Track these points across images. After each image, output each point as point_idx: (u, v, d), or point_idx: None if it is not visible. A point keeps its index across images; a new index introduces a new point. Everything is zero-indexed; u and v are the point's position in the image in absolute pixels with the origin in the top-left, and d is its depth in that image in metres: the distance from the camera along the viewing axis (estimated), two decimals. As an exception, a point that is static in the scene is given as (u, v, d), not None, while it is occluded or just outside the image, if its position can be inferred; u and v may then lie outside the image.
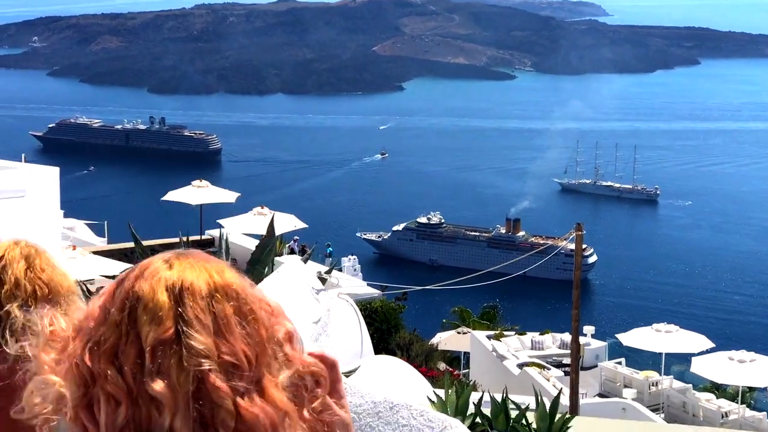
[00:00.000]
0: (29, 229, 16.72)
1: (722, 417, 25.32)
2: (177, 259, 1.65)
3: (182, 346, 1.54)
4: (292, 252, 26.42)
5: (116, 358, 1.57)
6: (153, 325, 1.56)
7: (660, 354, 28.13)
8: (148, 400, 1.52)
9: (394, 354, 21.95)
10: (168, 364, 1.53)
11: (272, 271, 12.81)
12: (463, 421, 7.16)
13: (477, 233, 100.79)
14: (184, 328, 1.55)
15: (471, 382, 20.61)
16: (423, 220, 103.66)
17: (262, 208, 25.37)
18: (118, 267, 21.75)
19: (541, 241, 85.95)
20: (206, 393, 1.53)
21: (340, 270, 31.25)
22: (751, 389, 28.64)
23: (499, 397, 7.63)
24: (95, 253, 23.97)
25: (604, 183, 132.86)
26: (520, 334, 32.27)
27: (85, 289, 7.75)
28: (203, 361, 1.54)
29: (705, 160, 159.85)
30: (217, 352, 1.55)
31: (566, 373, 26.04)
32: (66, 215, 28.51)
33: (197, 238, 26.59)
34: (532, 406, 7.90)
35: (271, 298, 1.69)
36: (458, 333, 33.94)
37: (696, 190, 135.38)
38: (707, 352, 26.32)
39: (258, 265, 15.91)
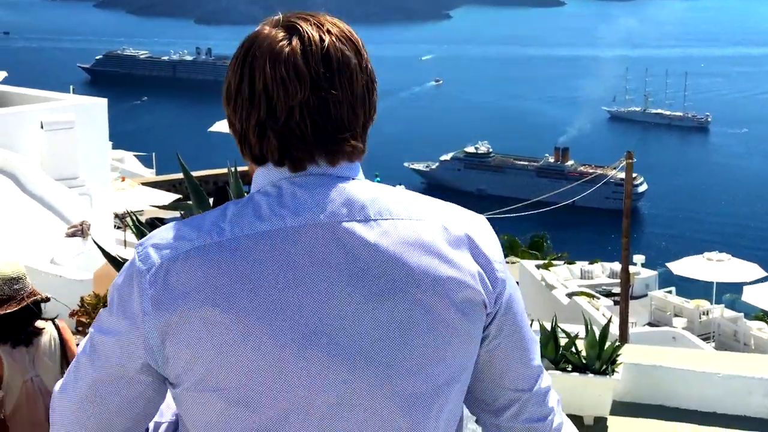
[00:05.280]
0: (79, 160, 16.82)
1: (774, 346, 25.14)
2: None
3: None
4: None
5: None
6: None
7: (711, 283, 27.90)
8: None
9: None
10: None
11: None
12: (512, 349, 7.13)
13: (525, 162, 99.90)
14: None
15: (519, 311, 20.56)
16: (471, 149, 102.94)
17: (310, 137, 25.35)
18: (167, 198, 21.89)
19: (590, 170, 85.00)
20: None
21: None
22: (803, 318, 28.39)
23: (548, 326, 7.58)
24: (144, 184, 24.15)
25: (654, 111, 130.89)
26: (569, 264, 32.13)
27: (135, 219, 7.78)
28: None
29: (760, 87, 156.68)
30: None
31: (616, 303, 25.94)
32: (114, 146, 28.72)
33: (245, 168, 26.69)
34: (582, 334, 7.84)
35: None
36: (507, 263, 33.93)
37: (750, 117, 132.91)
38: (759, 281, 26.04)
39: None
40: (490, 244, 1.75)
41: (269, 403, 1.58)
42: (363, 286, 1.60)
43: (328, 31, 1.68)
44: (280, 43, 1.65)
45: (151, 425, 1.89)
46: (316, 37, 1.66)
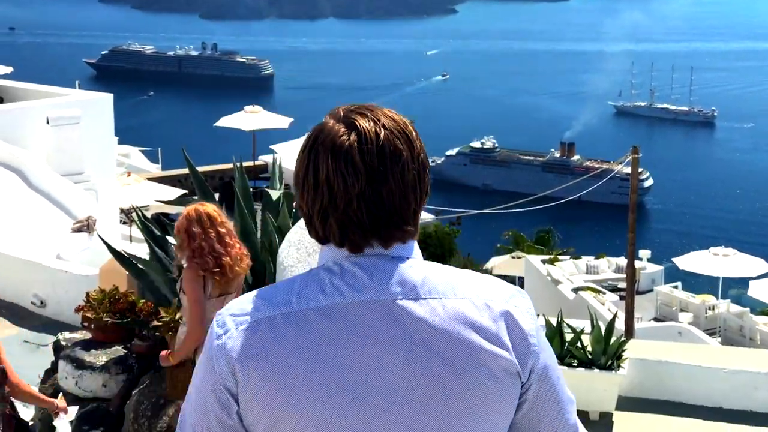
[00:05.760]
0: (84, 155, 16.83)
1: (780, 341, 25.08)
2: None
3: None
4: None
5: None
6: None
7: (717, 278, 27.85)
8: None
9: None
10: None
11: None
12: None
13: (531, 157, 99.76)
14: None
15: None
16: (476, 144, 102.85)
17: (315, 133, 25.33)
18: (172, 193, 21.92)
19: (596, 165, 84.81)
20: None
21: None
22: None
23: (554, 321, 7.57)
24: (150, 179, 24.15)
25: (660, 105, 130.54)
26: (575, 259, 32.08)
27: (140, 214, 7.79)
28: None
29: (767, 82, 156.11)
30: None
31: (621, 298, 25.91)
32: (120, 142, 28.75)
33: (250, 163, 26.66)
34: (587, 329, 7.83)
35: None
36: (512, 257, 33.86)
37: (757, 112, 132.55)
38: (765, 275, 26.00)
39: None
40: (527, 319, 1.96)
41: None
42: (413, 359, 1.84)
43: (384, 126, 1.91)
44: (341, 138, 1.89)
45: None
46: (372, 132, 1.89)
